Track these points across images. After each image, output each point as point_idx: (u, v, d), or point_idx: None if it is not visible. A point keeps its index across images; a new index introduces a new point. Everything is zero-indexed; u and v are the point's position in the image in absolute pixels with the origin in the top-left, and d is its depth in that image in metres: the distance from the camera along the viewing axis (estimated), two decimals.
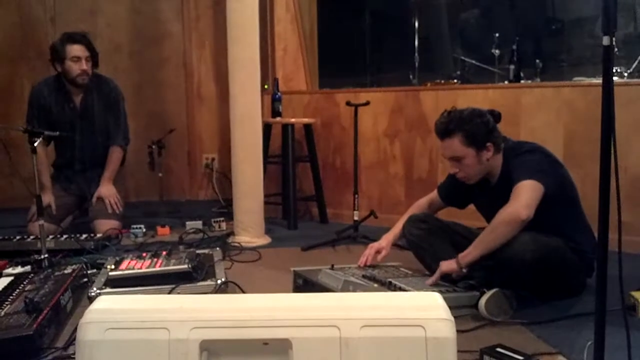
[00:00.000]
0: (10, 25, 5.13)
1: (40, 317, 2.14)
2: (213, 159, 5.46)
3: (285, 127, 4.40)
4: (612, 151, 1.51)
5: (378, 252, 2.88)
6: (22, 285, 2.56)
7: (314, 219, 4.60)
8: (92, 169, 4.10)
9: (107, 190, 3.98)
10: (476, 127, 2.63)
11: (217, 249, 3.28)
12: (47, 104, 3.97)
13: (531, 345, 2.14)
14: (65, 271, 2.74)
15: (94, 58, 3.94)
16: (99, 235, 3.64)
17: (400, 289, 2.47)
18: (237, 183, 3.88)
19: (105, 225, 3.84)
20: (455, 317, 1.45)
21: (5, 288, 2.54)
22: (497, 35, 5.11)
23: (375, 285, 2.54)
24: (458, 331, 1.45)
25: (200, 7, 5.39)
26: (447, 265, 2.58)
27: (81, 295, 2.68)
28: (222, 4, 3.87)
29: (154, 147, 4.71)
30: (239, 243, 3.71)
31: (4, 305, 2.31)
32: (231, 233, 3.89)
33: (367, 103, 3.99)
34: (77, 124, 4.00)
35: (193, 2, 5.38)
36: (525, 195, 2.46)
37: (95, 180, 4.06)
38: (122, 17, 5.32)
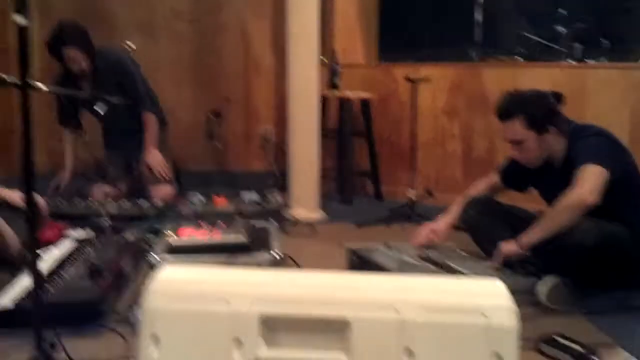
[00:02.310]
0: None
1: (103, 282, 2.20)
2: (269, 131, 5.48)
3: (342, 101, 4.38)
4: None
5: (434, 233, 2.85)
6: (85, 250, 2.64)
7: (368, 195, 4.58)
8: (132, 137, 4.09)
9: (151, 157, 3.99)
10: (538, 110, 2.58)
11: (273, 221, 3.30)
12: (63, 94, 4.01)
13: (590, 336, 2.10)
14: (127, 237, 2.81)
15: (90, 53, 3.88)
16: (159, 202, 3.71)
17: (457, 272, 2.45)
18: (293, 156, 3.90)
19: (159, 192, 3.90)
20: None
21: (68, 252, 2.62)
22: (562, 11, 4.94)
23: (432, 266, 2.52)
24: None
25: None
26: (507, 246, 2.54)
27: (141, 261, 2.74)
28: None
29: (211, 116, 4.75)
30: (294, 216, 3.74)
31: (67, 269, 2.39)
32: (286, 205, 3.91)
33: (427, 79, 3.93)
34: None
35: None
36: (591, 180, 2.40)
37: (138, 147, 4.06)
38: None
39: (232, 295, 1.49)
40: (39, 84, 3.15)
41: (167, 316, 1.49)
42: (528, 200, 3.07)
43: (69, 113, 4.11)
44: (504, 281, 1.59)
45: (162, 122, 4.23)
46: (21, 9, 1.56)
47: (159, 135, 4.12)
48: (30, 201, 1.64)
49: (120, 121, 4.04)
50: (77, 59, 3.83)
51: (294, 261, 2.71)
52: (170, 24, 5.31)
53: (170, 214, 3.55)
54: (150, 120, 4.08)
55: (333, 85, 4.49)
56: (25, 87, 1.63)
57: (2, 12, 4.80)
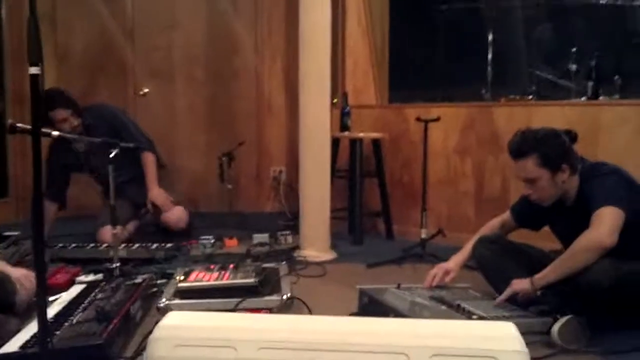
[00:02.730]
0: (90, 38, 5.31)
1: (110, 326, 2.18)
2: (280, 171, 5.49)
3: (353, 141, 4.38)
4: None
5: (446, 273, 2.82)
6: (93, 293, 2.62)
7: (379, 234, 4.55)
8: (135, 183, 4.20)
9: (154, 194, 4.12)
10: (551, 148, 2.56)
11: (283, 263, 3.28)
12: (60, 160, 4.10)
13: None
14: (136, 281, 2.80)
15: (76, 110, 3.97)
16: (169, 245, 3.72)
17: (469, 312, 2.40)
18: (304, 197, 3.88)
19: (172, 217, 4.10)
20: (526, 343, 1.40)
21: (78, 296, 2.61)
22: (574, 49, 4.95)
23: (443, 307, 2.48)
24: None
25: (273, 21, 5.45)
26: (520, 284, 2.51)
27: (150, 304, 2.72)
28: (295, 18, 3.90)
29: (224, 158, 4.78)
30: (304, 257, 3.71)
31: (76, 313, 2.37)
32: (297, 247, 3.89)
33: (438, 119, 3.93)
34: (92, 158, 4.11)
35: (266, 17, 5.44)
36: (608, 222, 2.37)
37: (142, 189, 4.17)
38: (199, 30, 5.43)
39: (238, 341, 1.47)
40: (53, 131, 3.18)
41: None
42: (541, 239, 3.03)
43: (58, 184, 4.15)
44: (517, 322, 1.55)
45: (160, 164, 4.33)
46: (35, 60, 1.57)
47: (158, 174, 4.23)
48: (39, 248, 1.63)
49: (122, 170, 3.99)
50: (65, 118, 3.92)
51: (304, 303, 2.67)
52: (186, 70, 5.41)
53: (180, 256, 3.54)
54: (149, 159, 4.19)
55: (344, 127, 4.50)
56: (36, 134, 1.63)
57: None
